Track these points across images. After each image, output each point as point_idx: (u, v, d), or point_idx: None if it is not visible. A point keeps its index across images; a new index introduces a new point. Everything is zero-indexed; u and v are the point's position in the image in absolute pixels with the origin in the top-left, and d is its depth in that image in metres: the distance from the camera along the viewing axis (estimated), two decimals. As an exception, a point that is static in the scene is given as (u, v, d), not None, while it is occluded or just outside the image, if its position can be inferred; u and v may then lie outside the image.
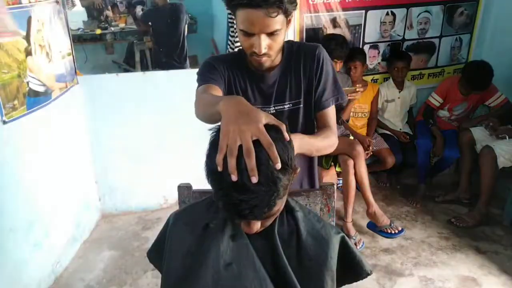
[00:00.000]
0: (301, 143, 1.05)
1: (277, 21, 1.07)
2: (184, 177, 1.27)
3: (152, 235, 2.64)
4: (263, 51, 1.11)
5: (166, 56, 4.00)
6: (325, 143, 1.20)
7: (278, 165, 0.73)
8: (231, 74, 1.26)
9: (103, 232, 2.75)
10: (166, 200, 2.95)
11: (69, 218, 2.47)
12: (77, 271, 2.37)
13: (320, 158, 2.77)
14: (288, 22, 1.14)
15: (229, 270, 0.86)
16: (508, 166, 2.62)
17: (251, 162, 0.70)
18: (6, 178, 1.88)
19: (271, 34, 1.09)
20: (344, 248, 0.94)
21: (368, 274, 0.96)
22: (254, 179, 0.70)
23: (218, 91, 1.19)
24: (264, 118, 0.78)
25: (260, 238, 0.89)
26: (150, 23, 4.03)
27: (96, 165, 2.78)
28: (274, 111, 1.27)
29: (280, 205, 0.80)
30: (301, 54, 1.25)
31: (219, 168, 0.73)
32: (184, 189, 1.15)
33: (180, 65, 3.99)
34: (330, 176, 2.82)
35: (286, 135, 0.79)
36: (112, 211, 2.91)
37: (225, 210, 0.76)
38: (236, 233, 0.90)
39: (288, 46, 1.26)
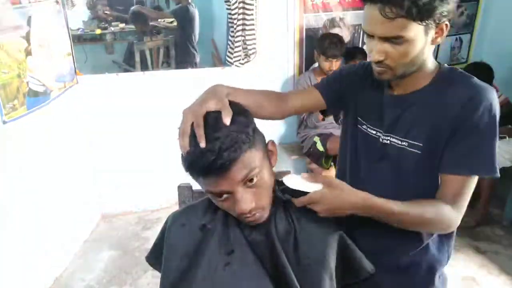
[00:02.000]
0: (365, 200, 0.88)
1: (399, 25, 0.86)
2: (184, 177, 1.26)
3: (152, 235, 2.64)
4: (377, 58, 0.93)
5: (185, 54, 4.07)
6: (423, 217, 0.92)
7: (227, 121, 0.79)
8: (359, 84, 1.10)
9: (103, 232, 2.75)
10: (166, 200, 2.95)
11: (69, 218, 2.46)
12: (77, 271, 2.37)
13: (320, 158, 2.77)
14: (436, 31, 0.90)
15: (226, 270, 0.86)
16: (508, 166, 2.62)
17: (199, 131, 0.77)
18: (6, 178, 1.88)
19: (390, 41, 0.90)
20: (343, 246, 0.93)
21: (369, 273, 0.95)
22: (202, 144, 0.76)
23: (312, 95, 1.16)
24: (212, 103, 0.82)
25: (258, 235, 0.89)
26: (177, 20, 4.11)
27: (96, 165, 2.78)
28: (383, 140, 1.04)
29: (252, 162, 0.79)
30: (451, 88, 0.95)
31: (183, 151, 0.80)
32: (184, 189, 1.15)
33: (193, 65, 4.06)
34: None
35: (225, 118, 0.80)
36: (112, 211, 2.91)
37: (196, 167, 0.78)
38: (234, 233, 0.90)
39: (444, 72, 0.99)
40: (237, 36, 2.69)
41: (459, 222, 0.97)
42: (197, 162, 0.76)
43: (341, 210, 0.89)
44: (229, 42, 2.78)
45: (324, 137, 2.75)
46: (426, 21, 0.87)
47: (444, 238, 1.12)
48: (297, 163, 3.17)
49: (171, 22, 4.42)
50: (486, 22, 3.27)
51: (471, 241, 2.54)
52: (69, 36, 2.46)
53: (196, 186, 1.18)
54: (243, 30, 2.69)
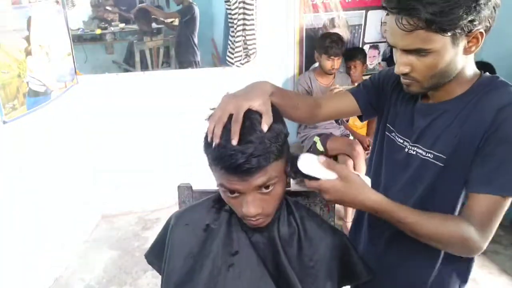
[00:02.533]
0: (377, 204, 0.85)
1: (420, 37, 0.79)
2: (184, 177, 1.27)
3: (152, 235, 2.64)
4: (401, 70, 0.86)
5: (188, 53, 4.08)
6: (435, 229, 0.85)
7: (265, 127, 0.78)
8: (393, 91, 1.06)
9: (103, 232, 2.75)
10: (166, 200, 2.95)
11: (69, 218, 2.46)
12: (77, 271, 2.36)
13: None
14: (470, 40, 0.81)
15: (230, 271, 0.86)
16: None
17: (235, 127, 0.76)
18: (5, 178, 1.88)
19: (414, 52, 0.82)
20: (344, 248, 0.93)
21: (368, 277, 0.95)
22: (234, 142, 0.74)
23: (347, 101, 1.13)
24: (256, 101, 0.81)
25: (261, 237, 0.89)
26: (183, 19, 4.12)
27: (96, 165, 2.77)
28: (409, 150, 0.99)
29: (274, 172, 0.79)
30: (485, 96, 0.87)
31: (209, 137, 0.79)
32: (184, 189, 1.14)
33: (196, 63, 4.07)
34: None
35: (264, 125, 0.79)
36: (112, 211, 2.91)
37: (222, 162, 0.77)
38: (238, 233, 0.90)
39: (484, 81, 0.90)
40: (237, 36, 2.69)
41: (483, 248, 0.86)
42: (225, 158, 0.76)
43: (349, 204, 0.89)
44: (230, 42, 2.78)
45: (324, 137, 2.75)
46: (453, 32, 0.78)
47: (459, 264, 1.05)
48: (297, 163, 3.17)
49: (172, 22, 4.42)
50: (486, 22, 3.27)
51: (471, 241, 2.54)
52: (69, 36, 2.45)
53: (196, 186, 1.18)
54: (243, 30, 2.69)
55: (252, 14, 2.67)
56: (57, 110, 2.28)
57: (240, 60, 2.78)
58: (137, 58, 4.16)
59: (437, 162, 0.92)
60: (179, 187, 1.16)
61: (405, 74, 0.87)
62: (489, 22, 0.82)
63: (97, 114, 2.69)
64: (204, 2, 4.51)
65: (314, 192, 1.14)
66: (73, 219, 2.52)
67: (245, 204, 0.80)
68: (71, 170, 2.50)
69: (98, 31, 4.52)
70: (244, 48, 2.76)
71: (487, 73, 0.92)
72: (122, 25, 4.72)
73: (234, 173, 0.76)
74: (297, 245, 0.90)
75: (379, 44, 3.16)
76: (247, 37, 2.72)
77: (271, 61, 2.95)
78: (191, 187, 1.15)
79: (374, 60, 3.20)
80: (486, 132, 0.84)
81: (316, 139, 2.77)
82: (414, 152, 0.97)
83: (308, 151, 2.83)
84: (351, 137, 2.81)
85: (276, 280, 0.86)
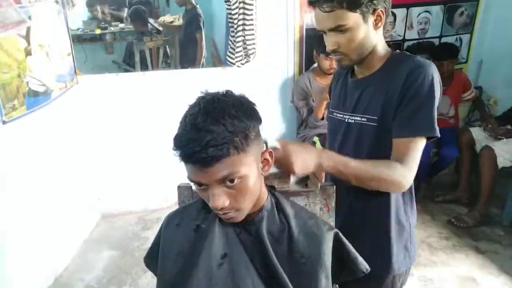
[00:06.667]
0: (329, 156, 1.03)
1: (338, 16, 1.02)
2: (184, 177, 1.26)
3: (152, 235, 2.63)
4: (331, 47, 1.09)
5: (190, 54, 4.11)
6: (373, 172, 1.03)
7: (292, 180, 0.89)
8: (338, 76, 1.31)
9: (103, 232, 2.75)
10: (166, 200, 2.95)
11: (69, 218, 2.46)
12: (76, 271, 2.36)
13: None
14: (374, 18, 1.06)
15: (221, 269, 0.86)
16: (508, 166, 2.62)
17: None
18: (5, 178, 1.88)
19: (338, 30, 1.05)
20: (338, 244, 0.93)
21: (363, 272, 0.95)
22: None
23: None
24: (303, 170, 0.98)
25: (247, 235, 0.89)
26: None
27: (96, 165, 2.78)
28: (348, 120, 1.19)
29: (238, 166, 0.78)
30: (398, 67, 1.09)
31: None
32: (184, 189, 1.15)
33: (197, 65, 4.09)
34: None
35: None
36: (112, 211, 2.91)
37: (179, 150, 0.76)
38: (228, 232, 0.90)
39: (395, 55, 1.14)
40: (238, 36, 2.69)
41: (410, 182, 1.07)
42: (182, 146, 0.75)
43: (308, 161, 1.00)
44: (230, 42, 2.78)
45: (324, 137, 2.74)
46: (360, 10, 1.02)
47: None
48: (297, 163, 3.17)
49: (171, 22, 4.42)
50: (486, 22, 3.27)
51: (471, 241, 2.54)
52: (69, 36, 2.45)
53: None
54: (243, 30, 2.69)
55: (251, 14, 2.67)
56: (57, 110, 2.28)
57: (241, 60, 2.78)
58: (137, 58, 4.16)
59: (372, 123, 1.13)
60: (179, 187, 1.16)
61: (335, 51, 1.09)
62: (386, 3, 1.07)
63: (97, 114, 2.69)
64: (204, 2, 4.52)
65: (314, 192, 1.14)
66: (73, 219, 2.52)
67: (211, 197, 0.80)
68: (71, 170, 2.50)
69: (98, 31, 4.53)
70: (243, 48, 2.76)
71: (397, 50, 1.17)
72: (122, 25, 4.72)
73: (192, 163, 0.76)
74: (287, 242, 0.89)
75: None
76: (246, 37, 2.72)
77: (271, 61, 2.95)
78: (191, 187, 1.15)
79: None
80: (401, 92, 1.06)
81: (316, 139, 2.77)
82: (353, 121, 1.18)
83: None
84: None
85: (265, 278, 0.85)
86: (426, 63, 1.07)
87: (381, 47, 1.13)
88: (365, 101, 1.14)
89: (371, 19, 1.06)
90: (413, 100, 1.05)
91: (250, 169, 0.81)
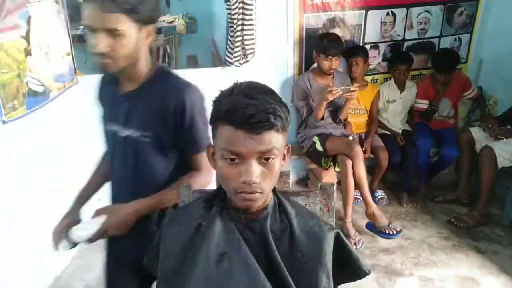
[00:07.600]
0: (140, 202, 1.19)
1: (119, 19, 1.02)
2: (184, 177, 1.26)
3: (152, 235, 2.64)
4: (101, 49, 1.05)
5: None
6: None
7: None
8: (103, 84, 1.38)
9: (103, 232, 2.75)
10: (166, 200, 2.95)
11: (69, 218, 2.46)
12: (76, 271, 2.36)
13: (319, 158, 2.78)
14: (147, 31, 1.11)
15: (220, 267, 0.86)
16: (508, 166, 2.62)
17: None
18: (5, 178, 1.88)
19: (112, 33, 1.04)
20: (340, 244, 0.93)
21: (366, 274, 0.95)
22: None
23: None
24: None
25: (252, 233, 0.89)
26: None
27: (95, 164, 2.77)
28: (122, 134, 1.23)
29: (277, 143, 0.81)
30: (165, 86, 1.17)
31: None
32: (184, 189, 1.14)
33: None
34: (330, 176, 2.82)
35: None
36: (112, 211, 2.90)
37: (232, 113, 0.78)
38: (229, 230, 0.90)
39: (158, 70, 1.20)
40: (236, 36, 2.69)
41: (211, 180, 1.23)
42: (237, 109, 0.77)
43: (129, 216, 1.15)
44: (229, 42, 2.78)
45: (324, 137, 2.75)
46: (139, 19, 1.05)
47: None
48: (297, 163, 3.17)
49: (171, 22, 4.42)
50: (486, 22, 3.27)
51: (471, 241, 2.54)
52: (69, 36, 2.46)
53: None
54: (242, 30, 2.69)
55: (251, 14, 2.67)
56: (57, 110, 2.28)
57: (239, 60, 2.77)
58: (137, 58, 4.17)
59: (146, 139, 1.18)
60: (179, 187, 1.16)
61: (103, 54, 1.06)
62: (152, 22, 1.11)
63: (97, 114, 2.68)
64: (204, 2, 4.52)
65: (314, 192, 1.14)
66: (73, 219, 2.52)
67: (246, 172, 0.80)
68: (71, 170, 2.49)
69: (98, 31, 4.51)
70: (242, 48, 2.76)
71: (160, 65, 1.23)
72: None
73: (242, 127, 0.77)
74: (288, 241, 0.89)
75: (379, 44, 3.16)
76: (245, 37, 2.72)
77: (270, 61, 2.95)
78: (191, 187, 1.15)
79: (374, 60, 3.20)
80: (171, 113, 1.13)
81: (316, 139, 2.77)
82: (127, 135, 1.21)
83: (308, 151, 2.83)
84: (350, 138, 2.81)
85: (268, 276, 0.85)
86: (184, 87, 1.16)
87: (146, 61, 1.17)
88: (137, 117, 1.19)
89: (144, 32, 1.10)
90: (186, 122, 1.15)
91: (281, 153, 0.84)
